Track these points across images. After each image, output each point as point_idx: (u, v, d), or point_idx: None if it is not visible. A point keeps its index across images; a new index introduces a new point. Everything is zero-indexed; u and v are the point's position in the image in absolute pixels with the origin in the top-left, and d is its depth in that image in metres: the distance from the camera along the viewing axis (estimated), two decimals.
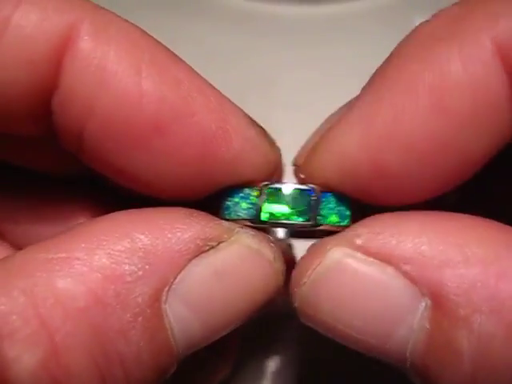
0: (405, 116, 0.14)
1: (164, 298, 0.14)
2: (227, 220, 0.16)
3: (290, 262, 0.17)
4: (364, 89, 0.16)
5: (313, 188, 0.16)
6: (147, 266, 0.14)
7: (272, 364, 0.25)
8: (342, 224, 0.16)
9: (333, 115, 0.17)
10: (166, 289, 0.14)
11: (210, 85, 0.16)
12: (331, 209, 0.16)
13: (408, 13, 0.39)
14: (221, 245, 0.15)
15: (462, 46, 0.14)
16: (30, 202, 0.20)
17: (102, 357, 0.13)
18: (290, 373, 0.25)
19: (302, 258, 0.17)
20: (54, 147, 0.17)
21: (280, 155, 0.17)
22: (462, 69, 0.14)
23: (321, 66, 0.36)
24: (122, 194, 0.18)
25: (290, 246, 0.22)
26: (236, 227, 0.16)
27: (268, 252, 0.16)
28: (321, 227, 0.16)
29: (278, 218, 0.16)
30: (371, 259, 0.14)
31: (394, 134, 0.14)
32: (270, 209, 0.16)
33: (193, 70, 0.16)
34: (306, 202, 0.16)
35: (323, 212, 0.16)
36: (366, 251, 0.15)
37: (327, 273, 0.15)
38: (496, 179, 0.20)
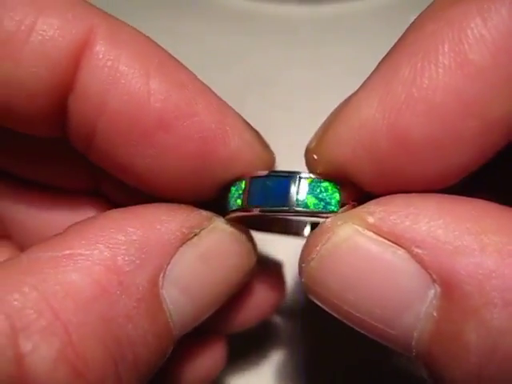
0: (425, 74, 0.14)
1: (160, 283, 0.15)
2: (233, 213, 0.17)
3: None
4: (381, 60, 0.16)
5: (289, 173, 0.16)
6: (143, 256, 0.15)
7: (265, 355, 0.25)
8: (326, 209, 0.16)
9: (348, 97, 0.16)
10: (162, 275, 0.15)
11: (211, 90, 0.17)
12: (309, 193, 0.16)
13: (408, 13, 0.39)
14: (203, 231, 0.17)
15: (480, 1, 0.14)
16: (37, 202, 0.21)
17: (113, 342, 0.14)
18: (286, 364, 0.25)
19: (312, 232, 0.16)
20: (63, 154, 0.19)
21: (273, 157, 0.18)
22: (481, 23, 0.13)
23: (321, 66, 0.36)
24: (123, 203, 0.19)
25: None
26: (212, 215, 0.18)
27: (240, 234, 0.18)
28: (298, 211, 0.16)
29: (261, 205, 0.17)
30: (382, 239, 0.14)
31: (415, 94, 0.14)
32: (252, 199, 0.17)
33: (196, 76, 0.17)
34: (284, 188, 0.16)
35: (301, 197, 0.16)
36: (378, 230, 0.14)
37: (335, 250, 0.15)
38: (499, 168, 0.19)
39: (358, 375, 0.24)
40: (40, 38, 0.15)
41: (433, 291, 0.13)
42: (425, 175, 0.15)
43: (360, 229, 0.14)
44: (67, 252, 0.14)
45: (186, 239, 0.16)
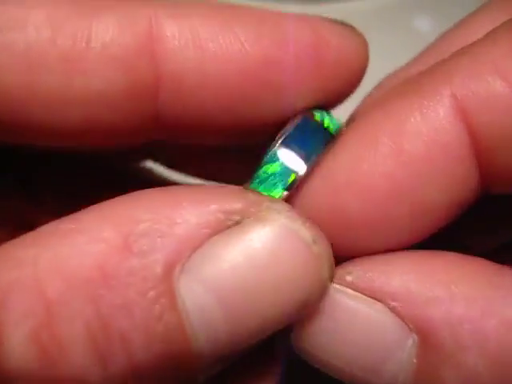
0: (364, 161, 0.15)
1: (177, 274, 0.13)
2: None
3: None
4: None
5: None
6: (158, 239, 0.13)
7: None
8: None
9: None
10: (180, 265, 0.13)
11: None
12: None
13: (408, 13, 0.39)
14: (247, 220, 0.13)
15: (422, 97, 0.15)
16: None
17: (101, 332, 0.12)
18: None
19: None
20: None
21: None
22: (420, 117, 0.15)
23: None
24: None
25: None
26: (266, 200, 0.14)
27: (305, 232, 0.14)
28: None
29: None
30: (361, 295, 0.15)
31: (353, 179, 0.15)
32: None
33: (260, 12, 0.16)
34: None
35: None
36: (356, 287, 0.15)
37: (318, 308, 0.15)
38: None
39: None
40: (100, 41, 0.14)
41: (411, 340, 0.14)
42: (371, 248, 0.16)
43: (339, 287, 0.15)
44: (71, 226, 0.13)
45: (222, 226, 0.13)
